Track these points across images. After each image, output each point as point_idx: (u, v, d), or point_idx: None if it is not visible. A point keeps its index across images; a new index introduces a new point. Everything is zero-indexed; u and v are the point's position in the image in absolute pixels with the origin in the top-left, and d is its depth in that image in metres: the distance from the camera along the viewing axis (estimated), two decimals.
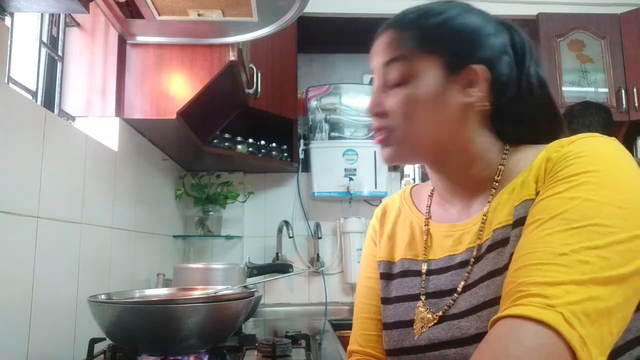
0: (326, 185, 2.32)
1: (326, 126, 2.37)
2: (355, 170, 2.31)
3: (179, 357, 0.95)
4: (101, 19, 1.37)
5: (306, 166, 2.43)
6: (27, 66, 1.23)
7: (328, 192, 2.32)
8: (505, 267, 0.55)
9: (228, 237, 2.34)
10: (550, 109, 0.66)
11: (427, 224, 0.70)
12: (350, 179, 2.28)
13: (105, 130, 1.37)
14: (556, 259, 0.45)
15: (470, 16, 0.64)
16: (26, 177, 0.94)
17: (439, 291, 0.64)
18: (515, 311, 0.43)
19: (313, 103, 2.39)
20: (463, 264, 0.62)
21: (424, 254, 0.68)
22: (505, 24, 0.66)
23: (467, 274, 0.61)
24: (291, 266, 1.84)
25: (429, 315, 0.63)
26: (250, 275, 1.58)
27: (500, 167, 0.64)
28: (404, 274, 0.70)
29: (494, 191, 0.63)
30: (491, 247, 0.59)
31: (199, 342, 0.92)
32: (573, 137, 0.57)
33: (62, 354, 1.07)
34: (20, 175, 0.92)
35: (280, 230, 2.37)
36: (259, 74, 1.95)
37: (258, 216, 2.45)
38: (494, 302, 0.55)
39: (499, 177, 0.63)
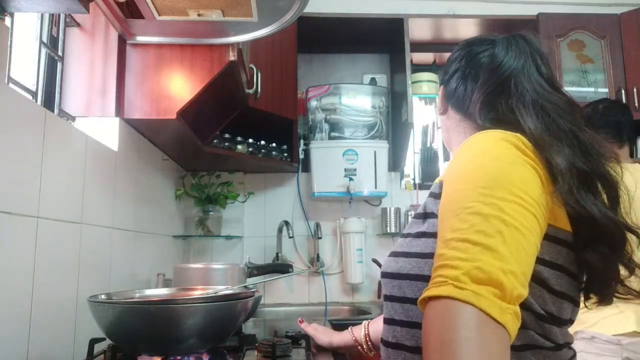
0: (326, 185, 2.32)
1: (326, 126, 2.37)
2: (355, 170, 2.31)
3: (179, 357, 0.95)
4: (101, 19, 1.37)
5: (306, 166, 2.43)
6: (27, 66, 1.23)
7: (328, 192, 2.32)
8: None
9: (228, 237, 2.34)
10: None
11: None
12: (350, 179, 2.28)
13: (105, 130, 1.37)
14: (447, 244, 0.55)
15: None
16: (26, 177, 0.94)
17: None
18: (424, 294, 0.54)
19: (313, 103, 2.39)
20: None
21: None
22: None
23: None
24: (291, 266, 1.84)
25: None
26: (250, 275, 1.58)
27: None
28: None
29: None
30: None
31: (199, 342, 0.92)
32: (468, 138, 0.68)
33: (62, 354, 1.07)
34: (20, 175, 0.92)
35: (280, 230, 2.37)
36: (259, 74, 1.95)
37: (258, 216, 2.45)
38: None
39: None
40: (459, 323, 0.48)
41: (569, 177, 0.60)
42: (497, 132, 0.65)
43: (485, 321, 0.48)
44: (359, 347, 1.09)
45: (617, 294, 0.67)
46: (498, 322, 0.48)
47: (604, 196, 0.63)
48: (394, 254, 0.72)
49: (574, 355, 0.69)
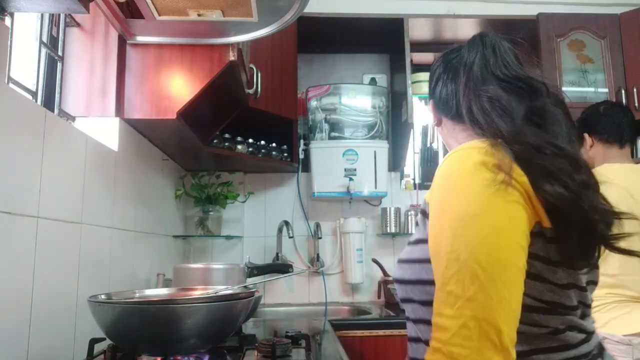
0: (326, 185, 2.32)
1: (326, 126, 2.37)
2: (355, 170, 2.31)
3: (179, 357, 0.95)
4: (101, 19, 1.37)
5: (306, 166, 2.43)
6: (27, 66, 1.23)
7: (328, 192, 2.32)
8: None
9: (228, 237, 2.34)
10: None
11: None
12: (350, 179, 2.28)
13: (105, 130, 1.37)
14: (437, 292, 0.60)
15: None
16: (26, 177, 0.94)
17: None
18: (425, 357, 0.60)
19: (313, 103, 2.39)
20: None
21: None
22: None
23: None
24: (291, 266, 1.84)
25: None
26: (250, 275, 1.58)
27: None
28: None
29: None
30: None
31: (199, 342, 0.92)
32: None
33: (62, 354, 1.07)
34: (20, 175, 0.92)
35: (280, 230, 2.37)
36: (259, 74, 1.95)
37: (258, 216, 2.46)
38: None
39: None
40: None
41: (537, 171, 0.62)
42: (473, 154, 0.64)
43: None
44: None
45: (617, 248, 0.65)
46: None
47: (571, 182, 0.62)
48: (399, 261, 0.78)
49: (585, 340, 0.67)
